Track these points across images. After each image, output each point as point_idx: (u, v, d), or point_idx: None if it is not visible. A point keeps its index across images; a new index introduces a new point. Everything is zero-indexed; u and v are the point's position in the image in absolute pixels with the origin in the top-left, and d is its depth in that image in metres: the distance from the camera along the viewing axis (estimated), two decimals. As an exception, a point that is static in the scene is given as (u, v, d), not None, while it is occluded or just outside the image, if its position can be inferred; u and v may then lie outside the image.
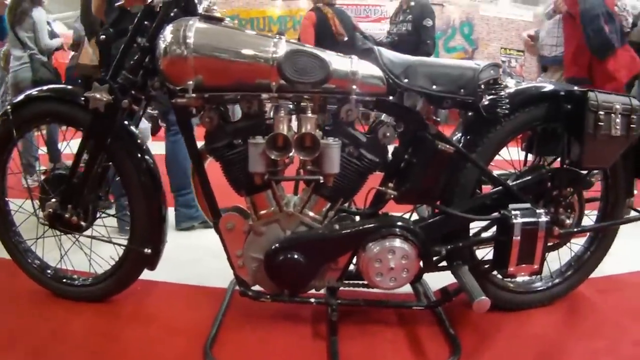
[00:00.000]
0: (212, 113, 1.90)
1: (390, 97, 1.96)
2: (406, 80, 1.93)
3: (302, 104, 1.86)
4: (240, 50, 1.80)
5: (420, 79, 1.93)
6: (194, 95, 1.78)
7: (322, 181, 1.86)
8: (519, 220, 1.97)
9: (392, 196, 2.02)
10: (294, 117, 1.90)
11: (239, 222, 2.00)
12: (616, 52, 3.07)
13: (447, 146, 1.95)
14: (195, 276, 2.57)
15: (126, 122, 2.09)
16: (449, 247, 2.07)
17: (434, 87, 1.93)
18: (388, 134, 1.95)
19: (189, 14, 1.90)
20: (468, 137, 2.11)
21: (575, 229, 2.25)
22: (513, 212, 1.98)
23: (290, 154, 1.80)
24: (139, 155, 2.09)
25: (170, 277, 2.51)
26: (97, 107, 1.96)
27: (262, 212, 1.98)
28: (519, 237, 1.97)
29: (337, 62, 1.86)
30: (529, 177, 2.18)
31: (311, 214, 1.99)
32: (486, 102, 1.98)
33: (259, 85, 1.82)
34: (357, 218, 2.08)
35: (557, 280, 2.41)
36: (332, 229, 1.97)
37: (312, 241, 1.96)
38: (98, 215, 2.22)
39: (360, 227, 1.98)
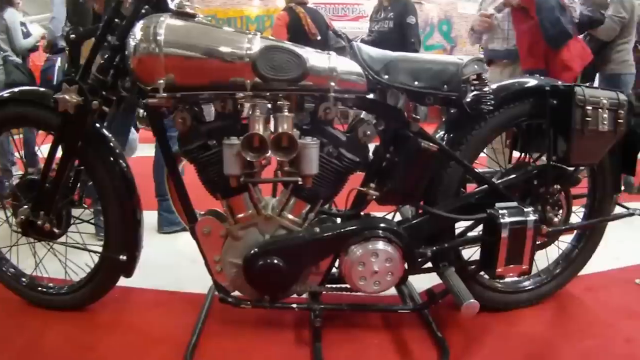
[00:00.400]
0: (185, 113, 1.77)
1: (370, 95, 1.83)
2: (387, 77, 1.80)
3: (278, 102, 1.72)
4: (213, 47, 1.67)
5: (401, 75, 1.80)
6: (165, 95, 1.65)
7: (300, 183, 1.72)
8: (507, 219, 1.85)
9: (374, 197, 1.88)
10: (270, 116, 1.76)
11: (216, 226, 1.86)
12: (569, 42, 3.06)
13: (430, 144, 1.82)
14: (174, 282, 2.43)
15: (98, 125, 1.95)
16: (434, 248, 1.94)
17: (416, 83, 1.80)
18: (368, 133, 1.82)
19: (161, 11, 1.76)
20: (452, 135, 1.99)
21: (563, 227, 2.13)
22: (500, 212, 1.86)
23: (267, 155, 1.67)
24: (112, 158, 1.95)
25: (148, 284, 2.37)
26: (66, 109, 1.82)
27: (239, 215, 1.85)
28: (507, 237, 1.85)
29: (315, 58, 1.73)
30: (515, 175, 2.06)
31: (290, 216, 1.86)
32: (470, 98, 1.85)
33: (233, 84, 1.69)
34: (339, 220, 1.95)
35: (545, 279, 2.29)
36: (312, 232, 1.84)
37: (292, 245, 1.83)
38: (72, 221, 2.07)
39: (342, 230, 1.85)
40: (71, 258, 2.14)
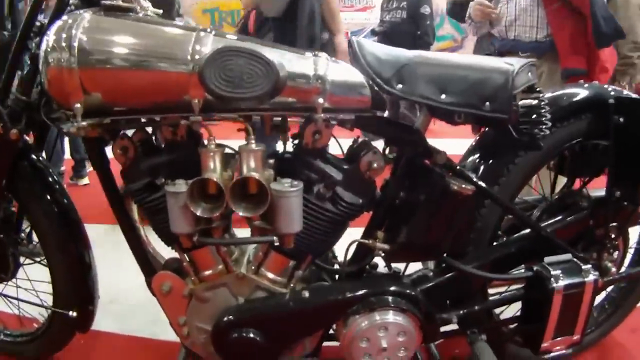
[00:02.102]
0: (127, 142, 1.14)
1: (379, 112, 1.14)
2: (400, 87, 1.10)
3: (240, 129, 1.06)
4: (148, 52, 1.03)
5: (421, 85, 1.11)
6: (83, 123, 1.02)
7: (276, 243, 1.06)
8: (561, 282, 1.19)
9: (383, 253, 1.21)
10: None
11: (177, 284, 1.24)
12: None
13: (463, 185, 1.13)
14: (150, 324, 1.80)
15: (33, 155, 1.33)
16: (461, 312, 1.27)
17: (444, 97, 1.11)
18: (375, 165, 1.15)
19: (93, 5, 1.10)
20: (488, 164, 1.29)
21: (620, 276, 1.44)
22: (552, 272, 1.18)
23: (224, 208, 1.02)
24: (48, 196, 1.35)
25: (120, 327, 1.78)
26: (-16, 141, 1.22)
27: (205, 273, 1.22)
28: (559, 305, 1.18)
29: (293, 63, 1.06)
30: (566, 217, 1.36)
31: (270, 275, 1.22)
32: (520, 120, 1.14)
33: (177, 104, 1.03)
34: (335, 276, 1.29)
35: (588, 330, 1.58)
36: (298, 297, 1.20)
37: (272, 314, 1.20)
38: (23, 261, 1.48)
39: (339, 297, 1.20)
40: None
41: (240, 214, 1.01)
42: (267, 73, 0.98)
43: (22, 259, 1.47)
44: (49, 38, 1.02)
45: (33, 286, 1.49)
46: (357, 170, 1.15)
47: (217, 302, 1.23)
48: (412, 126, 1.20)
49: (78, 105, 1.02)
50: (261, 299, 1.21)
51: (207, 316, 1.24)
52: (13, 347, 1.54)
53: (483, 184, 1.19)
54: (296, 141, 1.18)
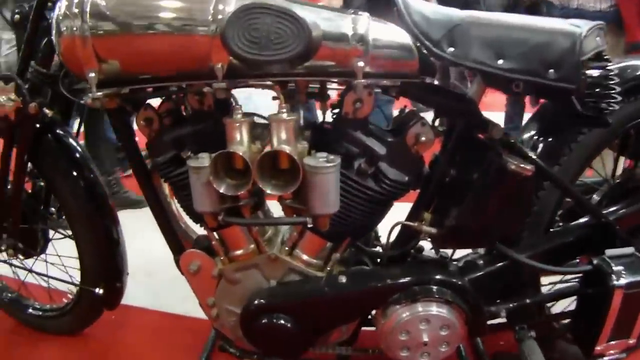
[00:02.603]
0: (150, 112, 1.03)
1: (426, 78, 0.97)
2: (451, 50, 0.93)
3: (272, 97, 0.92)
4: (163, 14, 0.89)
5: (475, 48, 0.92)
6: (99, 93, 0.91)
7: (310, 225, 0.92)
8: (623, 280, 1.00)
9: (430, 237, 1.06)
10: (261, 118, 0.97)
11: (206, 263, 1.13)
12: None
13: (522, 164, 0.94)
14: (182, 301, 1.62)
15: (59, 130, 1.24)
16: (511, 306, 1.10)
17: (501, 62, 0.92)
18: (424, 138, 0.98)
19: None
20: (549, 142, 1.09)
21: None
22: (614, 267, 1.00)
23: (252, 186, 0.88)
24: (74, 172, 1.25)
25: (151, 302, 1.67)
26: (6, 115, 1.13)
27: (235, 252, 1.10)
28: (619, 304, 1.01)
29: (329, 22, 0.90)
30: (630, 202, 1.16)
31: (305, 257, 1.08)
32: (587, 92, 0.93)
33: (199, 71, 0.90)
34: (377, 260, 1.14)
35: None
36: (335, 282, 1.06)
37: (306, 299, 1.07)
38: (53, 235, 1.41)
39: (379, 285, 1.05)
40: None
41: (268, 191, 0.87)
42: (298, 33, 0.82)
43: (52, 234, 1.40)
44: (61, 4, 0.90)
45: (62, 262, 1.41)
46: (403, 143, 0.99)
47: (247, 284, 1.11)
48: (466, 95, 1.02)
49: (92, 74, 0.90)
50: (294, 283, 1.09)
51: (237, 298, 1.12)
52: (42, 322, 1.48)
53: (543, 164, 1.01)
54: (336, 111, 1.03)
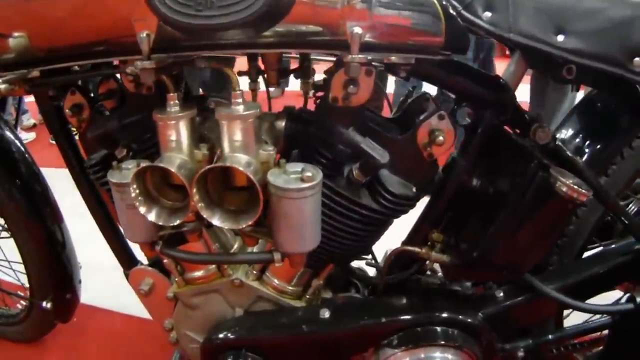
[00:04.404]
0: (78, 98, 0.69)
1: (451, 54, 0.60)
2: (489, 15, 0.57)
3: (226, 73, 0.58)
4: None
5: (524, 16, 0.56)
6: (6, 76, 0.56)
7: (278, 264, 0.59)
8: None
9: (441, 266, 0.73)
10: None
11: (159, 283, 0.82)
12: None
13: (578, 187, 0.59)
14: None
15: None
16: (530, 343, 0.78)
17: (561, 39, 0.56)
18: (441, 138, 0.64)
19: None
20: (597, 146, 0.72)
21: None
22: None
23: (189, 212, 0.55)
24: (7, 167, 0.91)
25: (117, 303, 1.31)
26: None
27: (193, 274, 0.78)
28: None
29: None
30: None
31: (277, 282, 0.76)
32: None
33: (119, 42, 0.55)
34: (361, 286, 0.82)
35: None
36: (316, 318, 0.74)
37: (279, 336, 0.75)
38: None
39: (372, 323, 0.73)
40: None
41: (215, 223, 0.54)
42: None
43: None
44: None
45: (10, 264, 1.09)
46: (412, 143, 0.65)
47: (208, 311, 0.80)
48: (500, 78, 0.68)
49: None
50: (265, 314, 0.77)
51: (198, 325, 0.82)
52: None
53: (602, 186, 0.67)
54: (320, 94, 0.69)
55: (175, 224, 0.54)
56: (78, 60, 0.62)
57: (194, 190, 0.51)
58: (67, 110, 0.72)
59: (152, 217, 0.54)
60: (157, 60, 0.53)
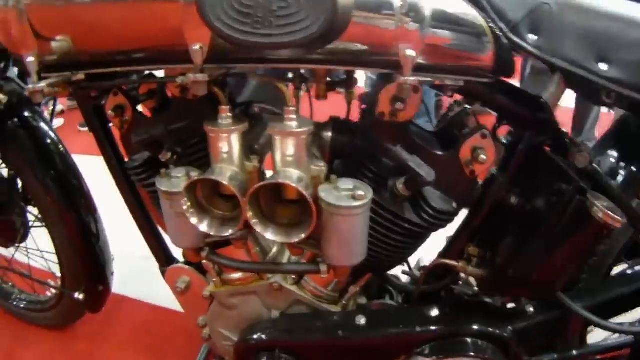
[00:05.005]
0: (121, 99, 0.67)
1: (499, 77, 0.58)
2: (534, 39, 0.55)
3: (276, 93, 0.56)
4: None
5: (568, 41, 0.54)
6: (42, 83, 0.55)
7: (323, 275, 0.58)
8: None
9: (476, 282, 0.72)
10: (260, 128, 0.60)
11: (196, 281, 0.82)
12: None
13: (613, 214, 0.56)
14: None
15: (26, 112, 0.90)
16: (555, 357, 0.76)
17: (603, 67, 0.54)
18: (484, 156, 0.62)
19: None
20: (631, 168, 0.69)
21: None
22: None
23: (240, 224, 0.54)
24: (42, 160, 0.90)
25: (147, 292, 1.29)
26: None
27: (231, 276, 0.77)
28: None
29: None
30: None
31: (316, 287, 0.75)
32: None
33: (170, 51, 0.53)
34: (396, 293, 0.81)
35: None
36: (352, 323, 0.73)
37: (314, 340, 0.75)
38: (34, 223, 1.08)
39: (405, 331, 0.72)
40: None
41: (268, 237, 0.53)
42: (313, 3, 0.46)
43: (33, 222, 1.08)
44: None
45: (42, 253, 1.09)
46: (455, 160, 0.63)
47: (244, 311, 0.80)
48: (540, 98, 0.65)
49: (31, 58, 0.55)
50: (301, 317, 0.77)
51: (232, 324, 0.82)
52: (25, 313, 1.18)
53: (635, 211, 0.65)
54: (365, 106, 0.68)
55: (227, 234, 0.53)
56: (123, 67, 0.61)
57: (248, 206, 0.50)
58: (109, 112, 0.71)
59: (204, 227, 0.53)
60: (209, 73, 0.52)
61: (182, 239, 0.58)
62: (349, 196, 0.51)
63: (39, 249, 1.08)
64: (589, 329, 0.87)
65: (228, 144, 0.54)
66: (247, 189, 0.52)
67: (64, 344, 1.16)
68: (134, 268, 1.25)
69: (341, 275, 0.58)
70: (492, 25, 0.54)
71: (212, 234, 0.54)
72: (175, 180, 0.55)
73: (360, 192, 0.50)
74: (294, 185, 0.49)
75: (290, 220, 0.54)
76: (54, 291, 1.11)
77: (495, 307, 0.77)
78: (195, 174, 0.54)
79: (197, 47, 0.49)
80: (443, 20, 0.52)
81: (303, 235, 0.51)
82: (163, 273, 0.86)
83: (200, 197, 0.55)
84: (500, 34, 0.55)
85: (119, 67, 0.60)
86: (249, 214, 0.50)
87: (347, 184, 0.52)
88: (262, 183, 0.49)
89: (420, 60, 0.52)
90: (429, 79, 0.53)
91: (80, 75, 0.60)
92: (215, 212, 0.55)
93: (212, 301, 0.83)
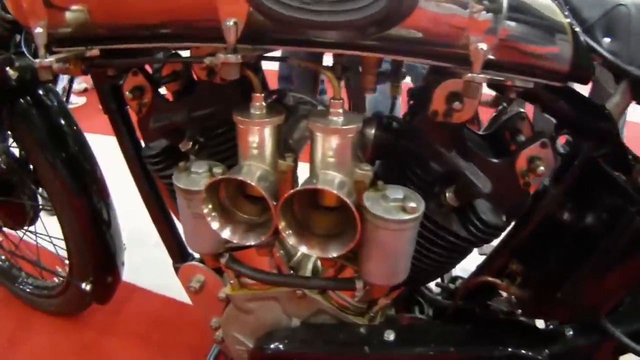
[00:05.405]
0: (140, 80, 0.59)
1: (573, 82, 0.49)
2: (608, 42, 0.45)
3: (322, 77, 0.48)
4: None
5: None
6: (50, 58, 0.47)
7: (359, 293, 0.50)
8: None
9: (518, 301, 0.63)
10: (300, 121, 0.51)
11: (211, 281, 0.75)
12: None
13: None
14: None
15: (40, 90, 0.82)
16: None
17: None
18: (542, 167, 0.53)
19: None
20: None
21: None
22: None
23: (272, 233, 0.46)
24: (53, 141, 0.82)
25: (158, 281, 1.21)
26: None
27: (251, 280, 0.69)
28: None
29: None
30: None
31: (342, 297, 0.67)
32: None
33: (199, 27, 0.45)
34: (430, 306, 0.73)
35: None
36: (380, 338, 0.65)
37: (337, 353, 0.67)
38: (44, 206, 1.01)
39: (437, 350, 0.64)
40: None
41: (303, 251, 0.45)
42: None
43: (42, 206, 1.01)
44: None
45: (51, 239, 1.02)
46: (510, 169, 0.54)
47: (262, 317, 0.72)
48: (605, 108, 0.56)
49: (39, 29, 0.47)
50: (324, 328, 0.69)
51: (248, 329, 0.74)
52: (31, 298, 1.11)
53: None
54: (413, 103, 0.59)
55: (253, 244, 0.46)
56: (145, 42, 0.52)
57: (280, 214, 0.42)
58: (127, 93, 0.63)
59: (226, 234, 0.45)
60: (243, 54, 0.44)
61: (200, 244, 0.50)
62: (398, 207, 0.43)
63: (48, 234, 1.01)
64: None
65: (260, 138, 0.46)
66: (279, 192, 0.44)
67: (69, 331, 1.10)
68: (148, 256, 1.19)
69: (377, 294, 0.50)
70: (571, 22, 0.45)
71: (235, 241, 0.46)
72: (196, 177, 0.47)
73: (412, 204, 0.42)
74: (335, 192, 0.41)
75: (327, 230, 0.46)
76: (59, 279, 1.04)
77: (532, 328, 0.69)
78: (219, 170, 0.46)
79: (230, 22, 0.41)
80: (521, 11, 0.43)
81: (343, 250, 0.43)
82: (176, 270, 0.79)
83: (223, 198, 0.47)
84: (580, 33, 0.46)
85: (140, 44, 0.52)
86: (282, 224, 0.42)
87: (396, 192, 0.44)
88: (298, 188, 0.41)
89: (491, 56, 0.43)
90: (500, 78, 0.44)
91: (95, 51, 0.53)
92: (240, 216, 0.47)
93: (227, 303, 0.76)
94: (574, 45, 0.45)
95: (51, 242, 1.00)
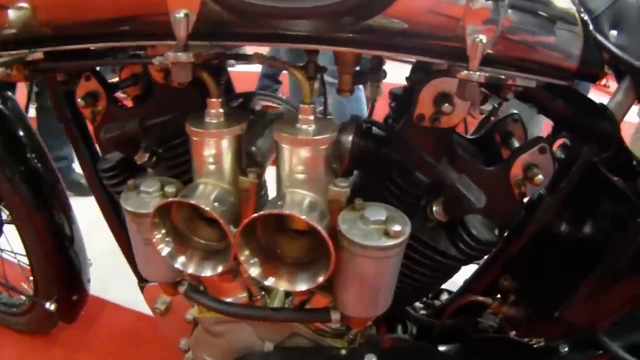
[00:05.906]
0: (94, 85, 0.50)
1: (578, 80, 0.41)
2: (614, 34, 0.38)
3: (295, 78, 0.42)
4: None
5: None
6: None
7: (335, 325, 0.43)
8: None
9: (509, 321, 0.56)
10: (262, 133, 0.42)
11: (178, 303, 0.65)
12: None
13: None
14: None
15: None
16: None
17: None
18: (540, 176, 0.45)
19: None
20: None
21: None
22: None
23: (231, 263, 0.38)
24: (11, 153, 0.72)
25: (129, 296, 1.07)
26: None
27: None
28: None
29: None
30: None
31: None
32: None
33: (149, 23, 0.36)
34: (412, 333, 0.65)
35: None
36: (358, 363, 0.58)
37: (315, 381, 0.59)
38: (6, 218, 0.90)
39: None
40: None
41: (268, 284, 0.37)
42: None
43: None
44: None
45: (15, 255, 0.90)
46: (504, 177, 0.47)
47: (233, 340, 0.63)
48: (606, 108, 0.49)
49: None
50: (299, 352, 0.61)
51: (219, 353, 0.66)
52: (1, 317, 0.99)
53: None
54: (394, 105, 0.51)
55: (210, 275, 0.37)
56: (93, 42, 0.43)
57: (240, 241, 0.34)
58: (79, 100, 0.54)
59: (179, 264, 0.37)
60: (196, 53, 0.35)
61: (153, 272, 0.42)
62: (379, 230, 0.35)
63: (12, 250, 0.90)
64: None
65: (216, 151, 0.37)
66: (239, 215, 0.36)
67: (37, 347, 0.98)
68: (117, 268, 1.09)
69: (356, 326, 0.42)
70: (580, 10, 0.38)
71: (189, 272, 0.38)
72: (145, 197, 0.38)
73: (396, 227, 0.34)
74: (303, 218, 0.33)
75: (297, 257, 0.38)
76: (25, 296, 0.93)
77: (524, 346, 0.63)
78: (171, 190, 0.37)
79: (180, 14, 0.32)
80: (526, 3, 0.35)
81: (314, 284, 0.35)
82: (141, 289, 0.70)
83: (177, 220, 0.38)
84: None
85: (87, 44, 0.43)
86: (243, 253, 0.34)
87: (377, 212, 0.36)
88: (261, 213, 0.33)
89: (491, 50, 0.35)
90: (500, 76, 0.36)
91: (39, 54, 0.44)
92: (197, 242, 0.39)
93: (195, 325, 0.68)
94: (584, 38, 0.38)
95: (15, 258, 0.89)
